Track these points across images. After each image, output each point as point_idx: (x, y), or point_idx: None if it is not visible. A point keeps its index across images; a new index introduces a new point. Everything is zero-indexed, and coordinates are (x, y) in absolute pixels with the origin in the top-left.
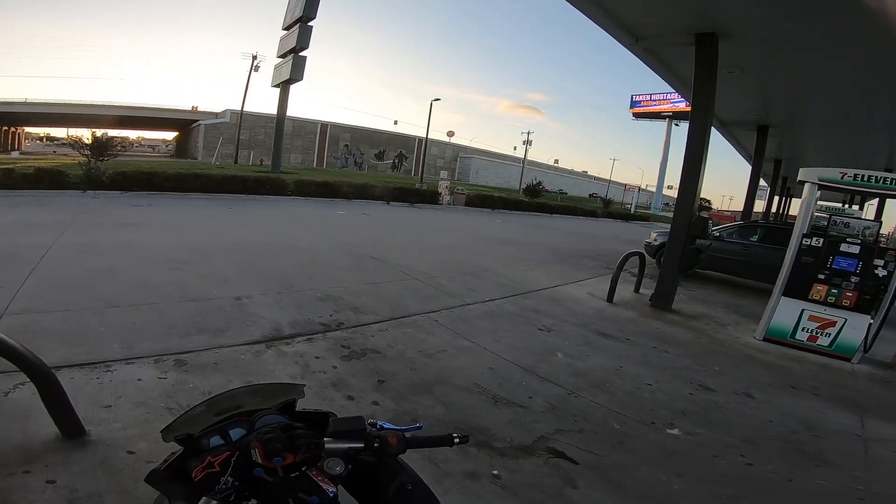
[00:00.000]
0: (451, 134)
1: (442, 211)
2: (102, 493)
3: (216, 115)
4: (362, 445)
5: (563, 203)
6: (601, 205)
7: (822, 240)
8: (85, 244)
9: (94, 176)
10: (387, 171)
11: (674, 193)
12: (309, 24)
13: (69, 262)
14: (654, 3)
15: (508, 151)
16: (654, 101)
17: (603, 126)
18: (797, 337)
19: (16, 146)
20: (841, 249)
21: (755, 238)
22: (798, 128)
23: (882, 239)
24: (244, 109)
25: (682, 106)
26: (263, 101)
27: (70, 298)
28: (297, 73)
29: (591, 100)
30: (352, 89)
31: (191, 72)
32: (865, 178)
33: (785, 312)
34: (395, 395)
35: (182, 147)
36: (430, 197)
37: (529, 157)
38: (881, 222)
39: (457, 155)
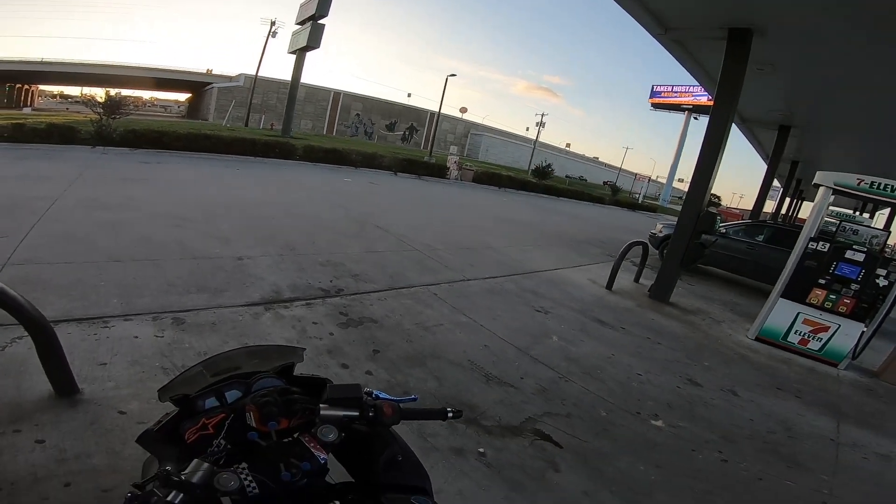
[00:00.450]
0: (463, 110)
1: (449, 185)
2: (91, 453)
3: (230, 78)
4: (357, 414)
5: (570, 187)
6: (609, 192)
7: (828, 245)
8: (91, 198)
9: (104, 133)
10: (397, 143)
11: (684, 186)
12: None
13: (74, 215)
14: None
15: (521, 132)
16: (676, 93)
17: (618, 114)
18: (789, 339)
19: (29, 103)
20: (846, 256)
21: (761, 238)
22: (820, 130)
23: (888, 249)
24: (258, 74)
25: (704, 100)
26: (278, 67)
27: (73, 251)
28: (314, 41)
29: (609, 87)
30: (367, 59)
31: (208, 35)
32: (882, 187)
33: (781, 314)
34: (389, 365)
35: (194, 109)
36: (438, 170)
37: (541, 140)
38: (890, 232)
39: (468, 131)
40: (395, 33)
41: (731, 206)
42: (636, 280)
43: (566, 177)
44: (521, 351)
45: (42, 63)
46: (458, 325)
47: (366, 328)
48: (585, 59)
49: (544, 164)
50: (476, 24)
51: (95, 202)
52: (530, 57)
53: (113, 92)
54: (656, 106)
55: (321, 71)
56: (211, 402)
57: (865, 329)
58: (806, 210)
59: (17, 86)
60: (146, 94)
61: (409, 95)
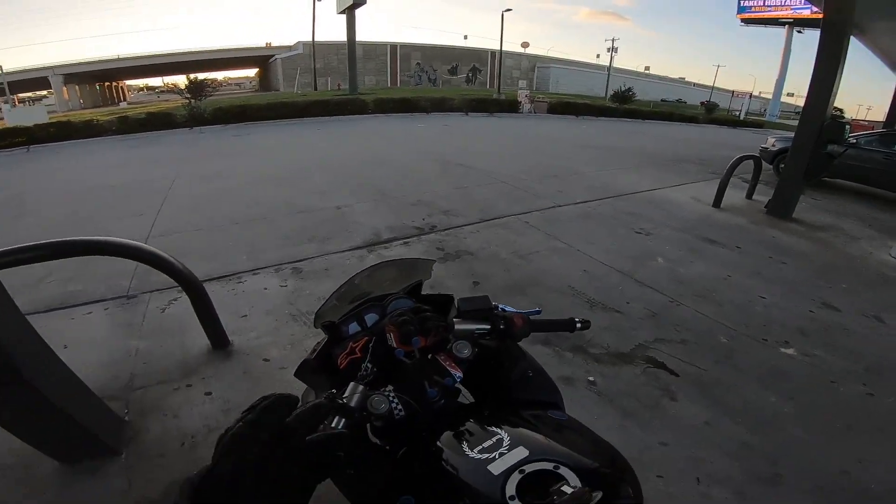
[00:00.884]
0: (525, 45)
1: (523, 119)
2: (248, 402)
3: (289, 48)
4: (489, 327)
5: (656, 109)
6: (703, 111)
7: None
8: (201, 172)
9: (196, 114)
10: (462, 86)
11: (793, 101)
12: None
13: (192, 189)
14: None
15: (591, 60)
16: (769, 6)
17: (698, 32)
18: None
19: (122, 98)
20: None
21: None
22: None
23: None
24: (315, 40)
25: (807, 13)
26: (333, 30)
27: (199, 219)
28: None
29: (682, 4)
30: (419, 7)
31: (257, 9)
32: None
33: None
34: (490, 296)
35: (265, 81)
36: (509, 106)
37: (615, 65)
38: None
39: (534, 65)
40: None
41: (858, 117)
42: (748, 197)
43: (661, 100)
44: (625, 274)
45: (119, 59)
46: (554, 251)
47: (463, 261)
48: None
49: (623, 88)
50: None
51: (206, 175)
52: None
53: (192, 77)
54: (747, 21)
55: (376, 26)
56: (353, 326)
57: None
58: None
59: (107, 84)
60: (219, 75)
61: (465, 38)
